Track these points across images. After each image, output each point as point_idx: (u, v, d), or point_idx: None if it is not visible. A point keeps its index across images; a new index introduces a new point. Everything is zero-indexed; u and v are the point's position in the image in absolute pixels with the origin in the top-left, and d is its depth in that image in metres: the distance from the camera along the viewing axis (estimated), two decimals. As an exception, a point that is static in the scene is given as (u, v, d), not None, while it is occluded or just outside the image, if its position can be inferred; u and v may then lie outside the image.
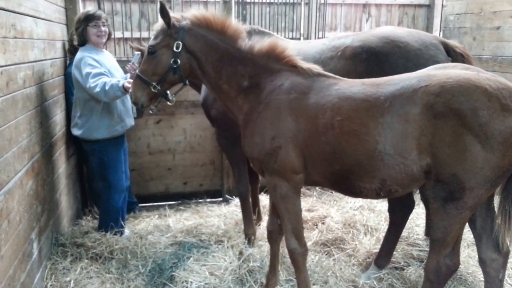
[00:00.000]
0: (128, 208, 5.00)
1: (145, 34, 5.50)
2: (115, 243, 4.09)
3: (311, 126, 2.78)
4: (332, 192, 5.55)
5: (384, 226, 4.50)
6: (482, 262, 2.94)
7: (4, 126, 2.79)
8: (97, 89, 3.78)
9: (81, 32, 4.10)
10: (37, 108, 3.57)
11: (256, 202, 4.79)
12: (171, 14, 3.12)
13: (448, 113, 2.45)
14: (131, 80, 3.68)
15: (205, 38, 3.10)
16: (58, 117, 4.28)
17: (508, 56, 5.17)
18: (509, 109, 2.41)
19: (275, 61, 3.04)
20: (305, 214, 4.80)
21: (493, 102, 2.41)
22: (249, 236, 4.30)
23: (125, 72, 4.18)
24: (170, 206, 5.41)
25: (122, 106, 4.27)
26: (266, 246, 4.06)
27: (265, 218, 4.77)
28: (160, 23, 3.17)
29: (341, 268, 3.82)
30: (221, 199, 5.76)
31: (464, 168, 2.46)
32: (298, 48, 3.86)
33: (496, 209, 2.82)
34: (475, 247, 3.10)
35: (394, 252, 3.89)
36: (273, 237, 3.37)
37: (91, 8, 4.62)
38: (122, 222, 4.47)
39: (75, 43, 4.27)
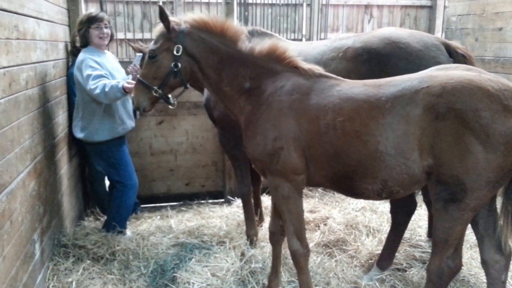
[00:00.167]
0: (130, 209, 5.01)
1: (147, 35, 5.51)
2: (117, 244, 4.09)
3: (312, 127, 2.79)
4: (334, 193, 5.55)
5: (386, 227, 4.50)
6: (484, 263, 2.94)
7: (6, 127, 2.80)
8: (97, 91, 3.80)
9: (83, 34, 4.12)
10: (39, 109, 3.58)
11: (258, 203, 4.80)
12: (171, 18, 3.12)
13: (450, 114, 2.45)
14: (131, 81, 3.70)
15: (205, 41, 3.11)
16: (61, 118, 4.29)
17: (510, 57, 5.16)
18: (511, 110, 2.41)
19: (276, 62, 3.04)
20: (307, 215, 4.80)
21: (495, 103, 2.40)
22: (251, 237, 4.30)
23: (127, 73, 4.19)
24: (172, 207, 5.41)
25: (123, 108, 4.29)
26: (268, 247, 4.06)
27: (267, 219, 4.78)
28: (160, 27, 3.18)
29: (343, 270, 3.81)
30: (223, 200, 5.76)
31: (465, 169, 2.46)
32: (300, 49, 3.86)
33: (498, 210, 2.81)
34: (477, 249, 3.09)
35: (396, 254, 3.88)
36: (275, 238, 3.36)
37: (94, 10, 4.64)
38: (127, 223, 4.48)
39: (77, 44, 4.29)
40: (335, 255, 4.05)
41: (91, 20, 4.10)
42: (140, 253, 4.06)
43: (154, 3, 5.51)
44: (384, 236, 4.14)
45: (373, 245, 4.18)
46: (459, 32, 5.94)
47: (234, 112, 3.22)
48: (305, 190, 5.38)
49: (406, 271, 3.85)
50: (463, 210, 2.55)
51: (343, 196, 5.26)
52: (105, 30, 4.16)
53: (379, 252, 3.88)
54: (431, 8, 6.45)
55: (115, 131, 4.21)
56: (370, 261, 3.96)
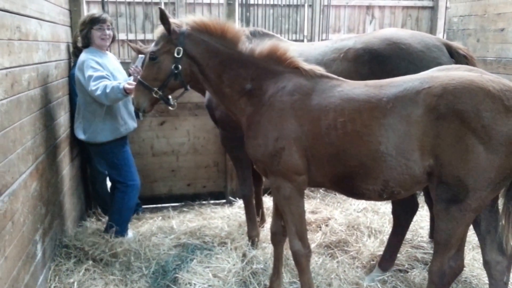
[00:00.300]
0: (132, 210, 5.01)
1: (149, 36, 5.52)
2: (118, 245, 4.09)
3: (314, 127, 2.79)
4: (336, 194, 5.54)
5: (388, 228, 4.49)
6: (486, 264, 2.93)
7: (8, 127, 2.81)
8: (98, 92, 3.80)
9: (85, 34, 4.13)
10: (41, 110, 3.59)
11: (259, 204, 4.79)
12: (171, 20, 3.13)
13: (451, 114, 2.45)
14: (132, 82, 3.71)
15: (205, 43, 3.12)
16: (62, 118, 4.30)
17: (512, 58, 5.16)
18: (512, 111, 2.40)
19: (277, 63, 3.04)
20: (308, 216, 4.80)
21: (496, 104, 2.40)
22: (253, 238, 4.30)
23: (129, 74, 4.20)
24: (174, 208, 5.41)
25: (125, 109, 4.29)
26: (269, 248, 4.06)
27: (269, 220, 4.77)
28: (161, 29, 3.19)
29: (344, 271, 3.81)
30: (224, 200, 5.76)
31: (467, 170, 2.45)
32: (301, 50, 3.86)
33: (500, 211, 2.81)
34: (479, 250, 3.08)
35: (398, 255, 3.88)
36: (277, 239, 3.36)
37: (96, 11, 4.65)
38: (128, 224, 4.47)
39: (79, 44, 4.29)
40: (337, 256, 4.05)
41: (94, 21, 4.11)
42: (142, 253, 4.06)
43: (156, 4, 5.52)
44: (386, 237, 4.14)
45: (375, 246, 4.17)
46: (460, 33, 5.94)
47: (235, 113, 3.22)
48: (306, 191, 5.38)
49: (408, 272, 3.84)
50: (465, 211, 2.54)
51: (344, 197, 5.26)
52: (108, 32, 4.17)
53: (381, 253, 3.87)
54: (433, 9, 6.45)
55: (117, 131, 4.21)
56: (371, 262, 3.95)
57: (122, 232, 4.31)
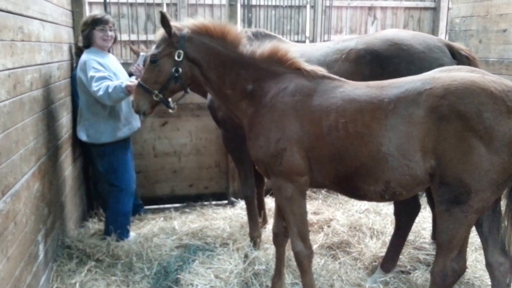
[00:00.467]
0: (134, 210, 4.99)
1: (151, 37, 5.52)
2: (120, 246, 4.10)
3: (315, 128, 2.79)
4: (338, 195, 5.54)
5: (390, 229, 4.48)
6: (489, 266, 2.92)
7: (11, 128, 2.82)
8: (100, 93, 3.80)
9: (87, 35, 4.13)
10: (44, 111, 3.60)
11: (261, 205, 4.79)
12: (172, 23, 3.14)
13: (453, 115, 2.45)
14: (134, 80, 3.71)
15: (206, 46, 3.12)
16: (65, 119, 4.31)
17: (515, 58, 5.15)
18: (514, 112, 2.40)
19: (278, 64, 3.04)
20: (310, 217, 4.79)
21: (498, 105, 2.40)
22: (255, 239, 4.30)
23: (130, 74, 4.21)
24: (176, 209, 5.41)
25: (128, 109, 4.28)
26: (271, 249, 4.06)
27: (271, 221, 4.77)
28: (161, 32, 3.19)
29: (347, 272, 3.80)
30: (226, 201, 5.76)
31: (469, 171, 2.45)
32: (303, 51, 3.86)
33: (503, 212, 2.80)
34: (482, 251, 3.07)
35: (400, 256, 3.87)
36: (279, 240, 3.36)
37: (99, 12, 4.65)
38: (128, 227, 4.42)
39: (80, 44, 4.30)
40: (339, 257, 4.04)
41: (96, 22, 4.11)
42: (144, 254, 4.06)
43: (158, 5, 5.53)
44: (388, 238, 4.13)
45: (377, 247, 4.17)
46: (463, 34, 5.93)
47: (237, 115, 3.22)
48: (308, 192, 5.38)
49: (410, 273, 3.83)
50: (467, 212, 2.54)
51: (346, 198, 5.25)
52: (110, 33, 4.17)
53: (383, 254, 3.87)
54: (435, 10, 6.44)
55: (121, 131, 4.19)
56: (374, 263, 3.95)
57: (122, 236, 4.28)
